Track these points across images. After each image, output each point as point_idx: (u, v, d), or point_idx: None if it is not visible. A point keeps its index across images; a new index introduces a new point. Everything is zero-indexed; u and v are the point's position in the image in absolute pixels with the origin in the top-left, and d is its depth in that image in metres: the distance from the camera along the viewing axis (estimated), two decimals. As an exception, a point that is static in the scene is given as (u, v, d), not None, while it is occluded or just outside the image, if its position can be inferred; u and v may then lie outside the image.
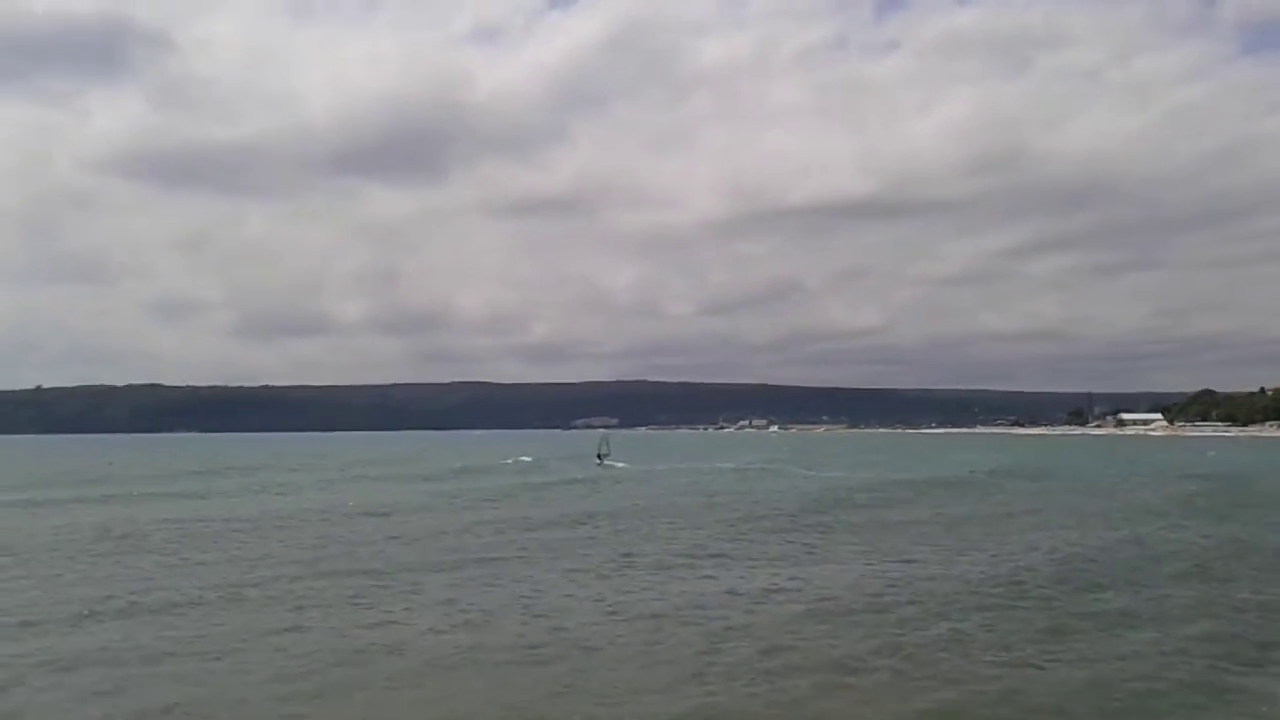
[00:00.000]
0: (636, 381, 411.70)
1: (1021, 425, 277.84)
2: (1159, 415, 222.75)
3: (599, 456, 73.36)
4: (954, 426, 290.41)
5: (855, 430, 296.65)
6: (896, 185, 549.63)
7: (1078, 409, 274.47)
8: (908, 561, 20.44)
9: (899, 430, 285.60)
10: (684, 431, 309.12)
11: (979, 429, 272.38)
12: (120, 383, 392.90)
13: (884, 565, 20.04)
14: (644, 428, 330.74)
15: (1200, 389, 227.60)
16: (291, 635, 13.83)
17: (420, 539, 25.13)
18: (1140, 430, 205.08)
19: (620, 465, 65.73)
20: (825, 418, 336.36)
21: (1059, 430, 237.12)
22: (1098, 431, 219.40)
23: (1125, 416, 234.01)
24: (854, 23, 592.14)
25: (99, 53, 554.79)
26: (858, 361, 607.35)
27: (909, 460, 68.05)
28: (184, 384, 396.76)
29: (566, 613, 15.27)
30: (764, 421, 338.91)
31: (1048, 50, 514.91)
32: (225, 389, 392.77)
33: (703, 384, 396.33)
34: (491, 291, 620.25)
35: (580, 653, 12.73)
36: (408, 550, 22.81)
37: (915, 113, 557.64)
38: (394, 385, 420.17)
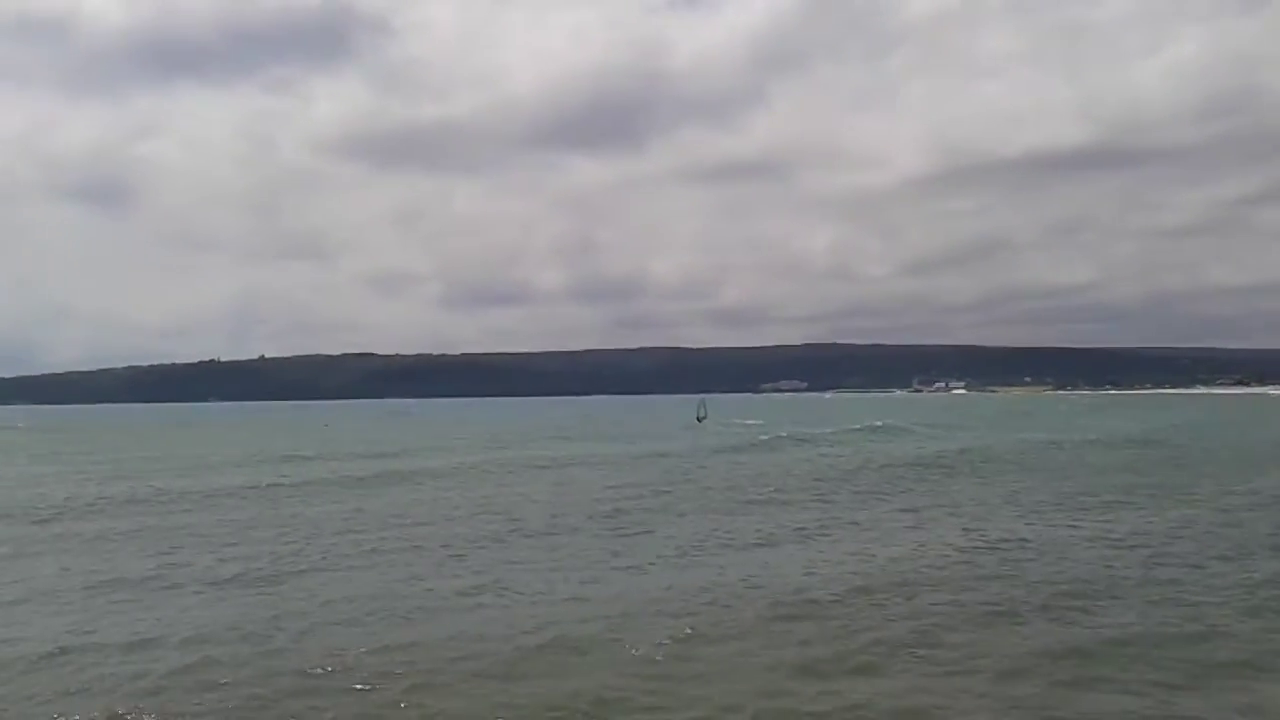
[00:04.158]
0: (826, 344, 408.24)
1: (1246, 384, 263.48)
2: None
3: (699, 418, 76.57)
4: (1170, 387, 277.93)
5: (1063, 393, 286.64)
6: (1118, 133, 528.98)
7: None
8: None
9: (1109, 391, 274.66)
10: (877, 394, 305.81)
11: (1198, 389, 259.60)
12: (336, 352, 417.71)
13: None
14: (832, 391, 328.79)
15: None
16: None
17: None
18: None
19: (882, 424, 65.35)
20: (1027, 379, 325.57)
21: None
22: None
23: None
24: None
25: (323, 40, 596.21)
26: (1064, 320, 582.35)
27: (1252, 427, 65.89)
28: (393, 352, 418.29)
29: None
30: (962, 384, 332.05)
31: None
32: (430, 356, 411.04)
33: (894, 345, 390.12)
34: (684, 257, 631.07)
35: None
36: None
37: (1140, 55, 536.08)
38: (586, 351, 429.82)
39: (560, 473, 35.80)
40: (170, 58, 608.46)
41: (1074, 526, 19.96)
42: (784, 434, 56.56)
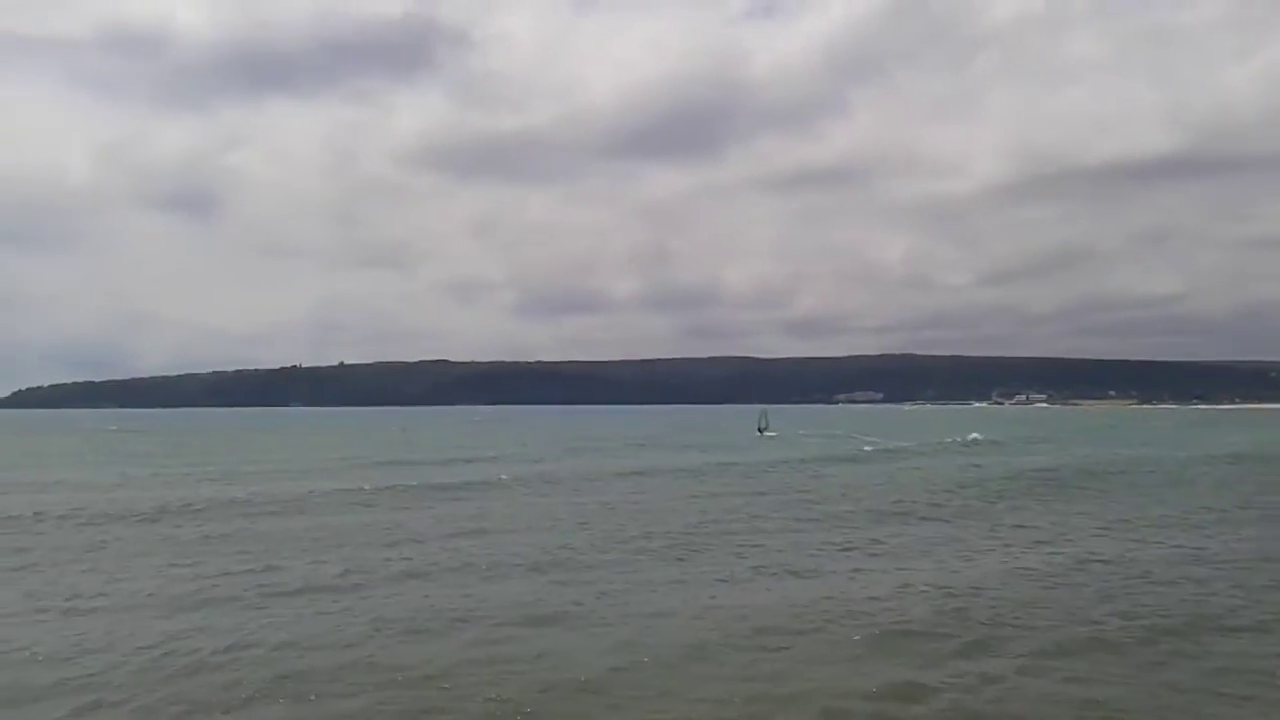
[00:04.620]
0: (902, 355, 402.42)
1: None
2: None
3: (759, 429, 78.55)
4: (1260, 402, 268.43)
5: (1148, 407, 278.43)
6: (1207, 140, 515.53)
7: None
8: None
9: (1198, 406, 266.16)
10: (955, 406, 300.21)
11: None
12: (413, 359, 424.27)
13: None
14: (909, 403, 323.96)
15: None
16: None
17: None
18: None
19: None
20: (1111, 392, 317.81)
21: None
22: None
23: None
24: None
25: (405, 52, 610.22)
26: (1150, 332, 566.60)
27: None
28: (467, 359, 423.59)
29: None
30: (1043, 396, 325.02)
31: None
32: (503, 364, 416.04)
33: (973, 357, 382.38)
34: (759, 266, 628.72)
35: None
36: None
37: (1230, 61, 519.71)
38: (658, 360, 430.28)
39: (642, 482, 35.62)
40: (258, 71, 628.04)
41: (1189, 546, 19.24)
42: (869, 447, 55.54)
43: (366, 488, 32.13)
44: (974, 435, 65.01)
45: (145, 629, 12.89)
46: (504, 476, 36.57)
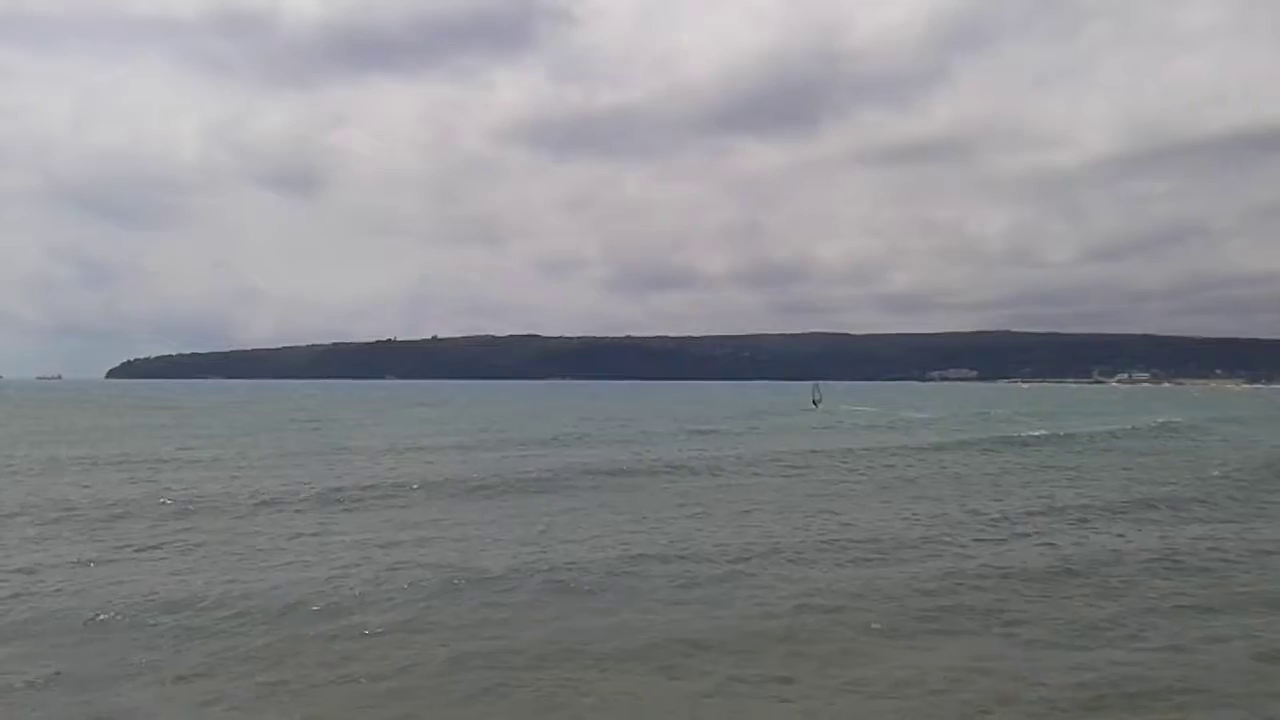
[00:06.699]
0: (999, 332, 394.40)
1: None
2: None
3: (814, 402, 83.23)
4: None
5: (1256, 387, 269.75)
6: None
7: None
8: None
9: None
10: (1051, 385, 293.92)
11: None
12: (503, 333, 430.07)
13: None
14: (1004, 380, 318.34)
15: None
16: None
17: None
18: None
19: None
20: (1219, 371, 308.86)
21: None
22: None
23: None
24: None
25: (507, 30, 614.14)
26: (1262, 310, 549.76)
27: None
28: (557, 334, 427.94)
29: None
30: (1146, 375, 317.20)
31: None
32: (592, 339, 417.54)
33: (1072, 334, 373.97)
34: (854, 241, 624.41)
35: None
36: None
37: None
38: (749, 336, 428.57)
39: (797, 472, 32.15)
40: (363, 50, 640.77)
41: None
42: (1040, 431, 50.98)
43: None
44: (1166, 418, 62.32)
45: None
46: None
